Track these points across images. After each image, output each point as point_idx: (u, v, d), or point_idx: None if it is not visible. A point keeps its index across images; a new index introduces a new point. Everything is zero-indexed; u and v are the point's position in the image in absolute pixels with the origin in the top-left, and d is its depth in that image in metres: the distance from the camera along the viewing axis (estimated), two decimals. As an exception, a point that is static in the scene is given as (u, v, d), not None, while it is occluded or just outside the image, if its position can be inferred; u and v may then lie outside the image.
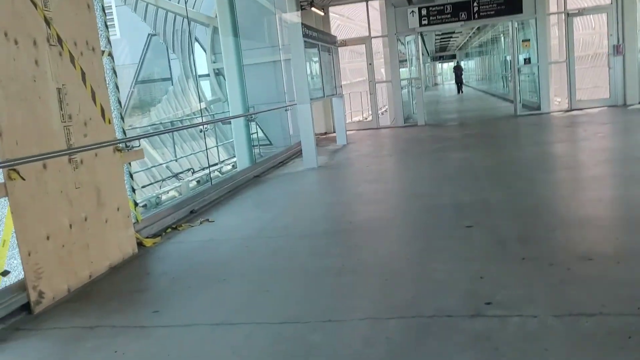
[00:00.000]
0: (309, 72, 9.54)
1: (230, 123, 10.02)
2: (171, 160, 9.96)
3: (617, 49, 13.24)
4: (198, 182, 9.32)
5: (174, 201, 6.13)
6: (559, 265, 3.47)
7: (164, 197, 8.22)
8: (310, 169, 8.88)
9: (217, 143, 10.71)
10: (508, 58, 23.81)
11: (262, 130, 13.34)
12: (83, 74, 4.35)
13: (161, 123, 11.05)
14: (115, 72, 5.05)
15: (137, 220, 5.24)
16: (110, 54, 5.01)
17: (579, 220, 4.49)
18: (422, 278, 3.52)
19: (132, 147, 5.12)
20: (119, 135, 5.05)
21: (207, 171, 10.38)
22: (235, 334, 2.98)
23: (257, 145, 12.45)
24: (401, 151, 9.90)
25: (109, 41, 5.00)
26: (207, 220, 5.93)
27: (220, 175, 10.43)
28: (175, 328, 3.14)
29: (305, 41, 9.06)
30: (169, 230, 5.63)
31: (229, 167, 10.71)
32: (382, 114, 18.70)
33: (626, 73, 13.28)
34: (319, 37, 10.26)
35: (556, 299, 2.96)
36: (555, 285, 3.17)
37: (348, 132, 13.77)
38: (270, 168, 9.52)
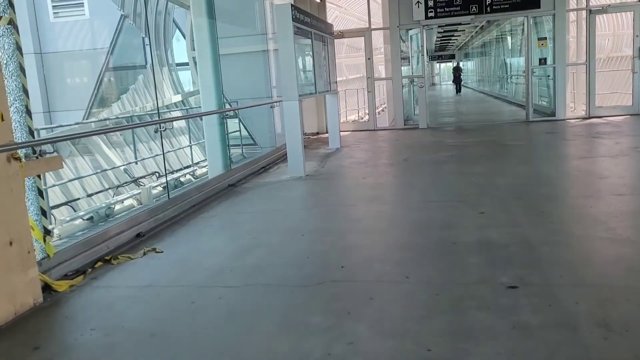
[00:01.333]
0: (300, 64, 8.14)
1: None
2: (130, 162, 8.52)
3: (644, 52, 11.91)
4: (164, 188, 7.88)
5: (112, 223, 4.73)
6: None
7: (117, 207, 6.79)
8: (296, 179, 7.47)
9: (190, 142, 9.29)
10: (508, 60, 22.62)
11: (246, 128, 11.92)
12: (-46, 46, 2.92)
13: (117, 117, 9.55)
14: (19, 49, 3.60)
15: (48, 255, 3.80)
16: (12, 22, 3.55)
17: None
18: (458, 400, 2.13)
19: (44, 153, 3.68)
20: (20, 137, 3.61)
21: (178, 174, 8.94)
22: None
23: (239, 145, 11.06)
24: (403, 160, 8.50)
25: (10, 4, 3.54)
26: (154, 250, 4.50)
27: (193, 179, 8.99)
28: None
29: (295, 27, 7.64)
30: (100, 264, 4.21)
31: (205, 169, 9.27)
32: (379, 113, 17.37)
33: (652, 79, 11.96)
34: (312, 24, 8.83)
35: None
36: None
37: (342, 134, 12.38)
38: (249, 175, 8.10)
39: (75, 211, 6.61)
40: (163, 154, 5.69)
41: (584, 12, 12.54)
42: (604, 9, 12.19)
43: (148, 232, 5.04)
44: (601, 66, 16.26)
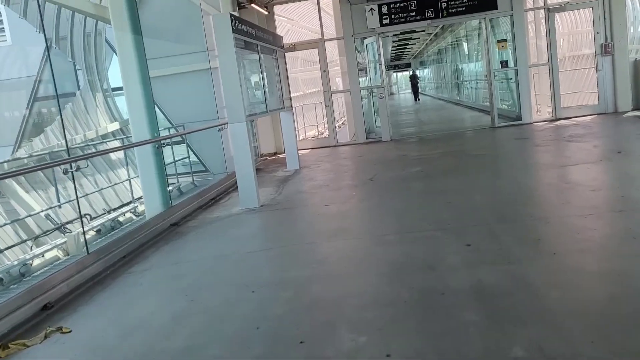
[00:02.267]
0: (247, 81, 7.26)
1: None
2: (53, 206, 7.34)
3: (605, 49, 11.54)
4: (98, 231, 6.83)
5: (6, 295, 3.70)
6: None
7: (37, 263, 5.70)
8: (248, 211, 6.53)
9: (128, 175, 8.25)
10: (466, 66, 22.25)
11: (195, 154, 10.93)
12: None
13: (31, 156, 8.38)
14: None
15: None
16: None
17: None
18: None
19: None
20: None
21: (115, 213, 7.86)
22: None
23: (189, 173, 10.07)
24: (369, 180, 7.67)
25: None
26: (60, 329, 3.49)
27: (134, 218, 7.94)
28: None
29: (237, 39, 6.75)
30: (-18, 358, 3.18)
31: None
32: (340, 127, 16.63)
33: (616, 76, 11.59)
34: (258, 36, 7.97)
35: None
36: None
37: (302, 152, 11.56)
38: (197, 209, 7.12)
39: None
40: (77, 198, 4.64)
41: (541, 12, 12.12)
42: (562, 7, 11.79)
43: (59, 301, 4.01)
44: (561, 66, 15.96)
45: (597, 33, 11.61)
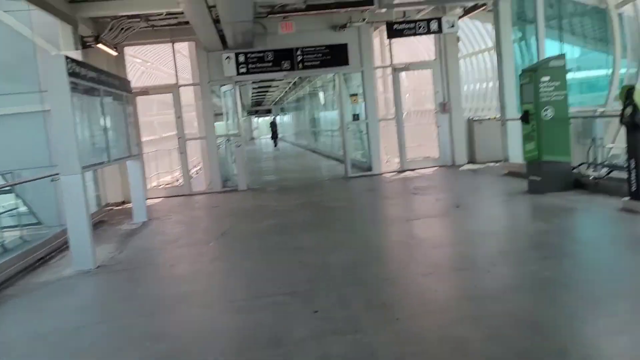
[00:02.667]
0: (91, 128, 6.61)
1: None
2: None
3: (444, 107, 12.66)
4: None
5: None
6: None
7: None
8: (82, 274, 5.79)
9: None
10: (322, 114, 23.16)
11: (26, 204, 9.73)
12: None
13: None
14: None
15: None
16: None
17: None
18: None
19: None
20: None
21: None
22: None
23: (18, 227, 8.90)
24: (221, 234, 7.31)
25: None
26: None
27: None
28: None
29: (74, 83, 6.13)
30: None
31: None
32: (197, 173, 16.04)
33: (453, 132, 12.72)
34: (101, 80, 7.35)
35: None
36: None
37: (153, 201, 10.91)
38: (21, 271, 6.16)
39: None
40: None
41: (389, 70, 12.99)
42: (406, 67, 12.76)
43: None
44: (405, 120, 17.15)
45: (437, 92, 12.71)
